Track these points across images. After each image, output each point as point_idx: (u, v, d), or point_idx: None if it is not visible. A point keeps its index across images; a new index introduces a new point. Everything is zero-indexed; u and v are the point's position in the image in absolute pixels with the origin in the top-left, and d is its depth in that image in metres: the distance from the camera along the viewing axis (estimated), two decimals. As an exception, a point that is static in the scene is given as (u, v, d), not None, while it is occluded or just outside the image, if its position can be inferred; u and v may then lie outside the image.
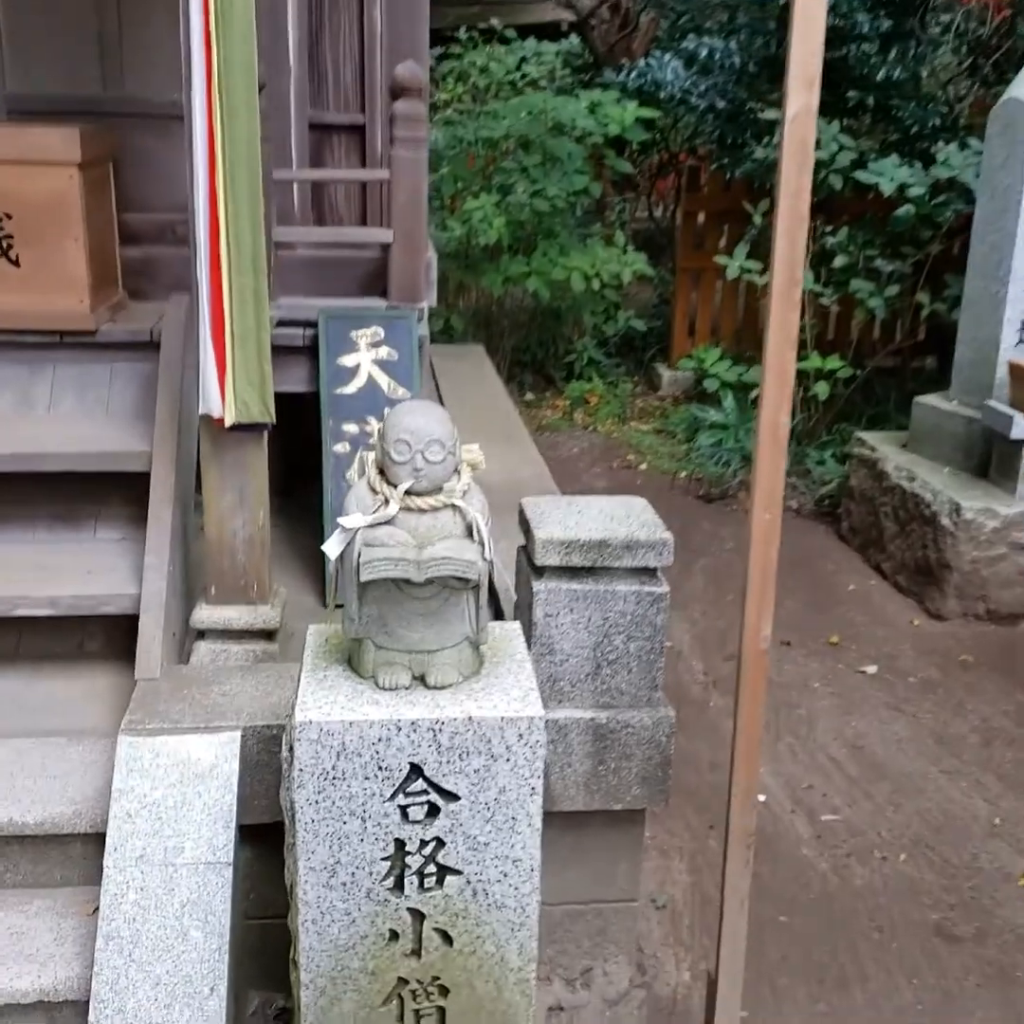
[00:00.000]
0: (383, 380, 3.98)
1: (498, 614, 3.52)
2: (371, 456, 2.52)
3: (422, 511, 2.44)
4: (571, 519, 3.06)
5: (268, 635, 3.44)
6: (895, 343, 8.42)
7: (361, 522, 2.43)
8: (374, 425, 3.96)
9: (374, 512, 2.44)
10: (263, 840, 2.99)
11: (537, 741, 2.42)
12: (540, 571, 3.03)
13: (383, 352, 3.99)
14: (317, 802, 2.40)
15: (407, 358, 4.00)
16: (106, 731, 3.17)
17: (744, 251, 8.06)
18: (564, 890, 3.25)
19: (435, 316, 9.23)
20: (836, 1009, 3.39)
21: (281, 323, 4.04)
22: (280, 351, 3.96)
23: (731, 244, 8.93)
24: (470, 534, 2.47)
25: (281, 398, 4.07)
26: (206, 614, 3.41)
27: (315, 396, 4.00)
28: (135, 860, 2.82)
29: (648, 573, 3.04)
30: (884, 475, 6.48)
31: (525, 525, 3.13)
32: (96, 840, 2.96)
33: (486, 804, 2.44)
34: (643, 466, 8.25)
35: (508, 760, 2.42)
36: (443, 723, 2.38)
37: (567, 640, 3.05)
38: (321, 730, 2.36)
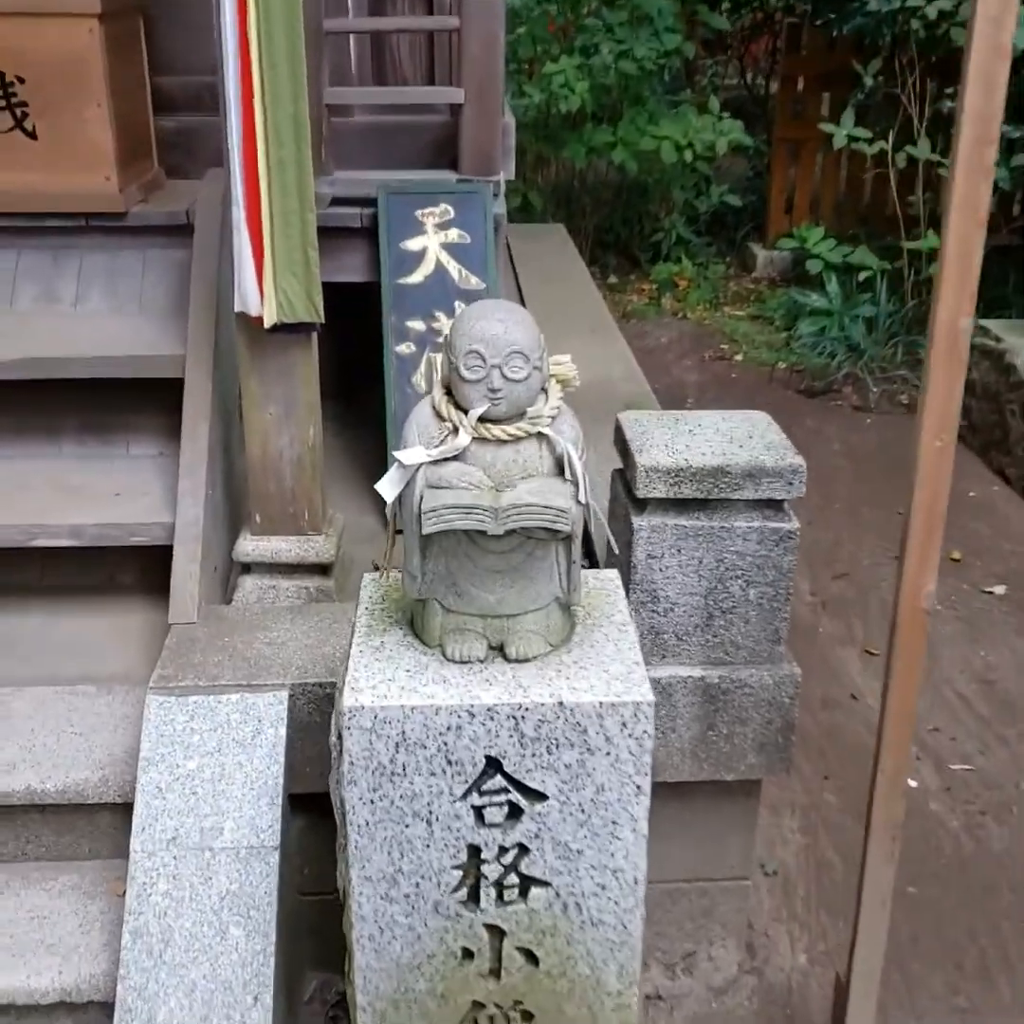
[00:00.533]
0: (453, 268, 3.43)
1: (589, 556, 3.01)
2: (439, 361, 2.00)
3: (501, 442, 1.93)
4: (680, 440, 2.53)
5: (322, 570, 2.98)
6: (1017, 219, 7.62)
7: (423, 457, 1.92)
8: (444, 322, 3.43)
9: (439, 444, 1.93)
10: (318, 809, 2.56)
11: (644, 732, 1.93)
12: (642, 504, 2.51)
13: (453, 234, 3.44)
14: (373, 801, 1.95)
15: (481, 241, 3.44)
16: (140, 678, 2.75)
17: (851, 118, 7.26)
18: (664, 866, 2.80)
19: (512, 193, 8.57)
20: (978, 1005, 2.92)
21: (335, 201, 3.50)
22: (334, 234, 3.44)
23: (833, 111, 8.12)
24: (560, 470, 1.95)
25: (337, 289, 3.56)
26: (251, 546, 2.95)
27: (375, 287, 3.46)
28: (166, 843, 2.41)
29: (773, 506, 2.51)
30: (1011, 369, 5.81)
31: (623, 447, 2.60)
32: (127, 810, 2.55)
33: (580, 805, 1.97)
34: (738, 357, 7.61)
35: (608, 754, 1.93)
36: (527, 709, 1.90)
37: (673, 586, 2.54)
38: (376, 717, 1.89)
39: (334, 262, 3.53)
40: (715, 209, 9.15)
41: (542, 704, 1.90)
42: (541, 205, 8.67)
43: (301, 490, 2.92)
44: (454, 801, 1.95)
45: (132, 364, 3.08)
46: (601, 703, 1.91)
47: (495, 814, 1.97)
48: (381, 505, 3.44)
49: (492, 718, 1.90)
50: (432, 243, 3.43)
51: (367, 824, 1.96)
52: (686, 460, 2.45)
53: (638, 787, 1.96)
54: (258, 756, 2.48)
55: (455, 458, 1.93)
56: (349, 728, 1.90)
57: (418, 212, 3.42)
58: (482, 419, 1.92)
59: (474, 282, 3.42)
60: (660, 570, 2.53)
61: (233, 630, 2.76)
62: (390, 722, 1.89)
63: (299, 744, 2.56)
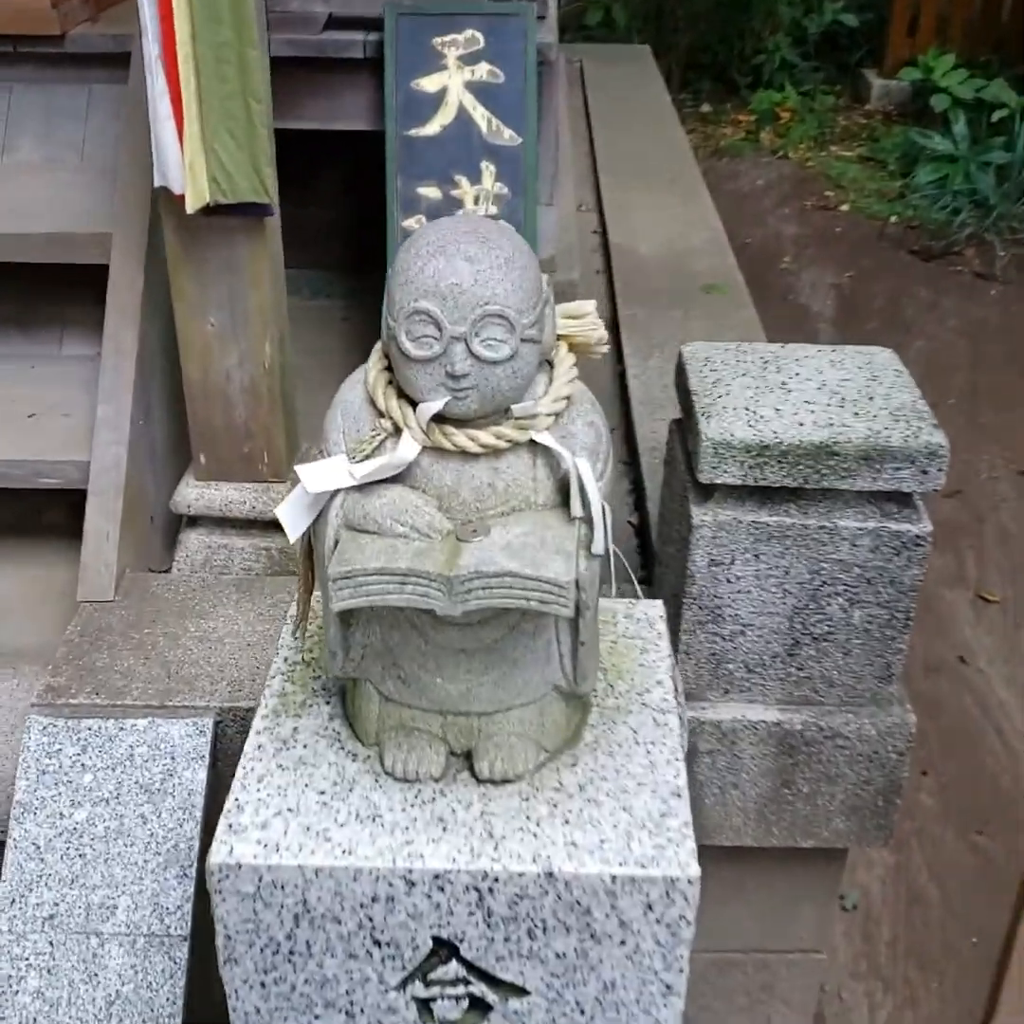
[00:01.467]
0: (480, 115, 2.61)
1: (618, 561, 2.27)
2: (384, 315, 1.26)
3: (468, 455, 1.19)
4: (767, 398, 1.76)
5: (287, 526, 2.27)
6: None
7: (340, 480, 1.19)
8: (466, 189, 2.62)
9: (368, 454, 1.21)
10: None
11: (680, 917, 1.24)
12: (706, 491, 1.76)
13: (482, 71, 2.60)
14: (264, 986, 1.29)
15: (519, 80, 2.60)
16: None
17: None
18: (712, 933, 2.14)
19: (592, 6, 7.48)
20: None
21: (332, 22, 2.67)
22: (330, 67, 2.65)
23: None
24: (565, 498, 1.22)
25: (346, 137, 2.77)
26: (193, 494, 2.25)
27: (379, 143, 2.66)
28: (41, 923, 1.80)
29: (898, 500, 1.75)
30: None
31: (686, 403, 1.84)
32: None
33: (578, 1004, 1.29)
34: (844, 207, 6.60)
35: (623, 943, 1.25)
36: (497, 880, 1.21)
37: (745, 602, 1.81)
38: (261, 880, 1.21)
39: (331, 103, 2.74)
40: (826, 29, 7.96)
41: (520, 874, 1.21)
42: (625, 21, 7.54)
43: (257, 425, 2.20)
44: (387, 991, 1.29)
45: (47, 245, 2.34)
46: (614, 877, 1.21)
47: (450, 1009, 1.31)
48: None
49: (442, 889, 1.21)
50: (454, 82, 2.60)
51: (258, 1012, 1.31)
52: (775, 433, 1.69)
53: (668, 987, 1.28)
54: (168, 808, 1.84)
55: (395, 479, 1.20)
56: (220, 892, 1.23)
57: (437, 40, 2.58)
58: (439, 419, 1.18)
59: (507, 136, 2.60)
60: (728, 581, 1.80)
61: (159, 615, 2.09)
62: (284, 887, 1.22)
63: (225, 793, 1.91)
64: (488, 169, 2.60)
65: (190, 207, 1.89)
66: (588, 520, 1.20)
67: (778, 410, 1.73)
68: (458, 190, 2.61)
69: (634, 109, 5.22)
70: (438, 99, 2.60)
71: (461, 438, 1.19)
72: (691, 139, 5.50)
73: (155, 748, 1.88)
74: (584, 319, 1.28)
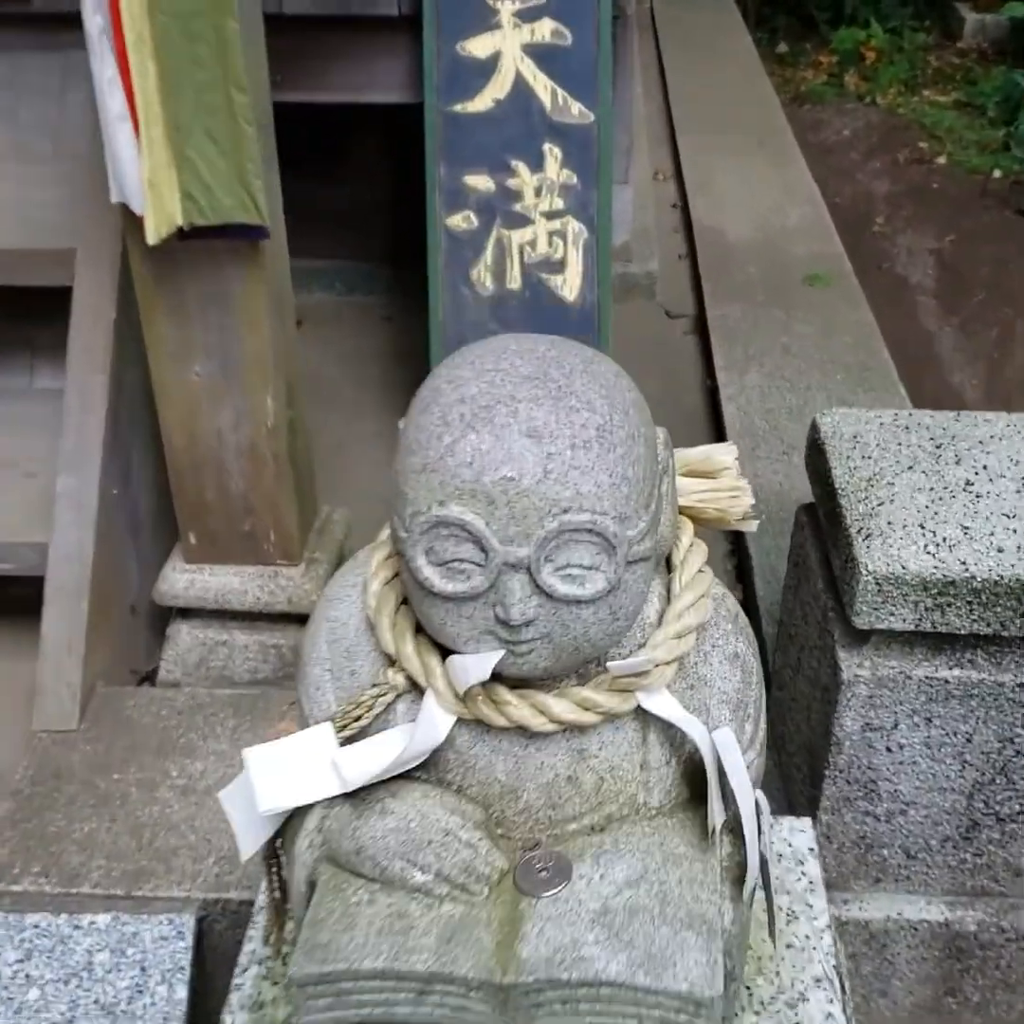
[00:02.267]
0: (543, 86, 2.09)
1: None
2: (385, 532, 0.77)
3: (533, 733, 0.71)
4: (949, 508, 1.25)
5: (302, 621, 1.81)
6: None
7: (319, 785, 0.72)
8: (525, 178, 2.11)
9: (362, 726, 0.72)
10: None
11: None
12: (862, 636, 1.27)
13: (544, 30, 2.08)
14: None
15: (589, 42, 2.08)
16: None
17: None
18: None
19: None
20: None
21: (359, -27, 2.16)
22: (361, 27, 2.17)
23: None
24: (694, 792, 0.73)
25: (371, 113, 2.27)
26: (182, 582, 1.79)
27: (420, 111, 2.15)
28: None
29: None
30: None
31: (831, 507, 1.33)
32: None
33: None
34: (941, 160, 5.94)
35: None
36: None
37: (910, 775, 1.32)
38: None
39: (361, 72, 2.25)
40: (917, -44, 7.25)
41: None
42: (696, -47, 6.88)
43: (259, 497, 1.73)
44: None
45: (13, 263, 1.87)
46: None
47: None
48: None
49: None
50: (509, 45, 2.08)
51: None
52: (964, 563, 1.18)
53: None
54: (136, 1035, 1.40)
55: (413, 769, 0.73)
56: None
57: (487, -8, 2.07)
58: (500, 678, 0.71)
59: (577, 112, 2.08)
60: (888, 750, 1.31)
61: (133, 751, 1.64)
62: None
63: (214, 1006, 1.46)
64: (553, 153, 2.09)
65: (151, 236, 1.41)
66: (736, 828, 0.72)
67: (966, 528, 1.22)
68: (515, 179, 2.10)
69: (713, 57, 4.65)
70: (490, 66, 2.09)
71: (522, 710, 0.71)
72: (769, 85, 4.92)
73: (120, 954, 1.44)
74: (720, 478, 0.79)
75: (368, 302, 2.84)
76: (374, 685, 0.74)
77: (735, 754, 0.73)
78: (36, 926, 1.45)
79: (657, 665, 0.72)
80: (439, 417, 0.68)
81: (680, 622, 0.74)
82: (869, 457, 1.33)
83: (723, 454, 0.80)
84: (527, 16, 2.07)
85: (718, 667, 0.78)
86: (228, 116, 1.39)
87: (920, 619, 1.21)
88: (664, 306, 2.92)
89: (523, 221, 2.11)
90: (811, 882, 1.05)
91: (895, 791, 1.34)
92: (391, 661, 0.75)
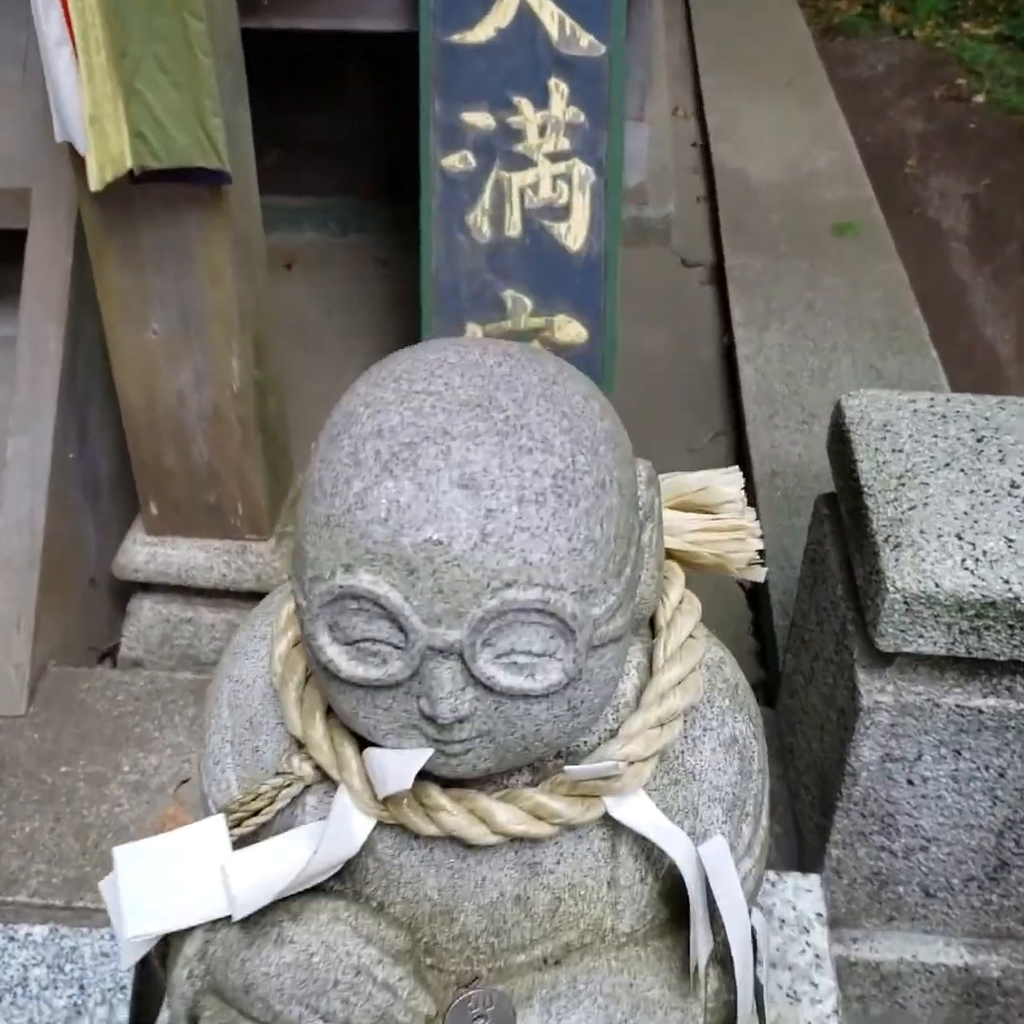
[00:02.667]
0: (549, 16, 1.90)
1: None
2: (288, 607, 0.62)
3: (470, 845, 0.56)
4: (990, 515, 1.09)
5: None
6: None
7: (202, 905, 0.57)
8: (528, 115, 1.92)
9: (261, 822, 0.58)
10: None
11: None
12: (885, 659, 1.11)
13: (554, -49, 1.88)
14: None
15: (604, -36, 1.88)
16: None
17: None
18: None
19: None
20: None
21: None
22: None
23: None
24: (674, 913, 0.58)
25: (361, 40, 2.08)
26: (142, 554, 1.65)
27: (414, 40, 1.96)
28: None
29: None
30: None
31: (855, 505, 1.17)
32: None
33: None
34: (979, 98, 5.67)
35: None
36: None
37: (934, 810, 1.18)
38: None
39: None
40: None
41: None
42: None
43: (225, 465, 1.58)
44: None
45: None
46: None
47: None
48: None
49: None
50: (514, -34, 1.89)
51: None
52: (1007, 582, 1.03)
53: None
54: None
55: (320, 888, 0.58)
56: None
57: (490, -95, 1.87)
58: (425, 776, 0.56)
59: (586, 43, 1.89)
60: (910, 783, 1.16)
61: (84, 741, 1.51)
62: None
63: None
64: (558, 89, 1.90)
65: (95, 181, 1.24)
66: (724, 965, 0.58)
67: (1010, 540, 1.06)
68: (517, 117, 1.92)
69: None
70: (491, -10, 1.89)
71: (458, 817, 0.56)
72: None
73: (58, 970, 1.31)
74: (721, 513, 0.63)
75: (362, 242, 2.66)
76: (278, 773, 0.60)
77: (728, 872, 0.58)
78: (-35, 949, 1.33)
79: (632, 762, 0.57)
80: (349, 454, 0.52)
81: (663, 706, 0.59)
82: (900, 450, 1.17)
83: (726, 483, 0.64)
84: (535, -68, 1.87)
85: (711, 757, 0.63)
86: (182, 44, 1.22)
87: (953, 643, 1.06)
88: (680, 253, 2.73)
89: (525, 163, 1.92)
90: (817, 956, 0.92)
91: (915, 826, 1.19)
92: (299, 744, 0.60)
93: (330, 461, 0.52)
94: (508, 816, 0.56)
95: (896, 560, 1.05)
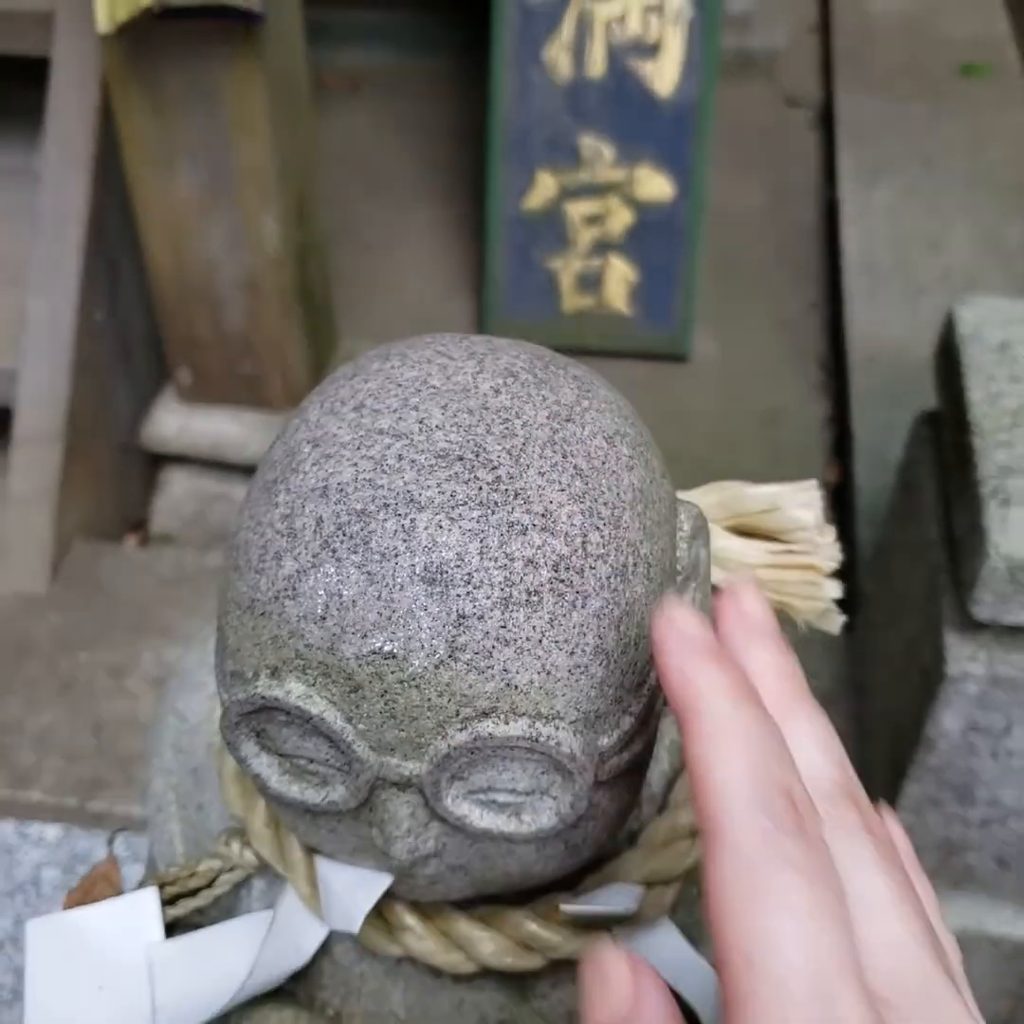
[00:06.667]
0: None
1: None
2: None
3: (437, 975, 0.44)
4: (1123, 470, 0.92)
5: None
6: None
7: (118, 1016, 0.46)
8: (618, -65, 1.68)
9: (196, 890, 0.47)
10: None
11: None
12: (976, 626, 0.97)
13: None
14: None
15: None
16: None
17: None
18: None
19: None
20: None
21: None
22: None
23: None
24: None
25: None
26: (173, 424, 1.54)
27: None
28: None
29: None
30: None
31: (961, 441, 1.01)
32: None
33: None
34: None
35: None
36: None
37: (1016, 783, 1.05)
38: None
39: None
40: None
41: None
42: None
43: (261, 337, 1.44)
44: None
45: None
46: None
47: None
48: (478, 277, 1.94)
49: None
50: None
51: None
52: None
53: None
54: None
55: (280, 991, 0.47)
56: None
57: None
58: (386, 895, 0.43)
59: None
60: (993, 756, 1.03)
61: (105, 624, 1.43)
62: None
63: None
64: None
65: (104, 20, 1.08)
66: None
67: None
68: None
69: None
70: None
71: (427, 942, 0.44)
72: None
73: (70, 872, 1.26)
74: (792, 542, 0.49)
75: (432, 67, 2.44)
76: (215, 854, 0.49)
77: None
78: (-18, 842, 1.28)
79: (653, 884, 0.45)
80: (283, 517, 0.38)
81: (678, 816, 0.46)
82: (1020, 380, 1.00)
83: (799, 505, 0.49)
84: None
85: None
86: None
87: (1061, 616, 0.91)
88: (786, 91, 2.47)
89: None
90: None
91: (995, 798, 1.07)
92: (232, 831, 0.49)
93: (259, 521, 0.38)
94: (492, 947, 0.44)
95: (1003, 519, 0.90)
